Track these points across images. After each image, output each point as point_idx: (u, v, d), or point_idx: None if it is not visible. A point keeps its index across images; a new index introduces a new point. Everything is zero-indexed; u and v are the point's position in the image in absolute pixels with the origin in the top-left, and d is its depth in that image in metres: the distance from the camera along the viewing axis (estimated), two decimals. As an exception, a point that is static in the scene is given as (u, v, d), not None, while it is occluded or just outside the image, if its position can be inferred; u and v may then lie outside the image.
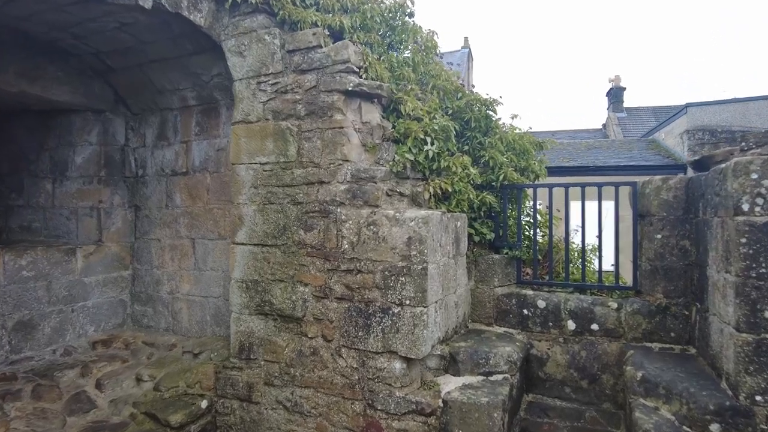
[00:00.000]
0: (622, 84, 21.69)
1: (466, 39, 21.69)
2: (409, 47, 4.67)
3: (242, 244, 3.88)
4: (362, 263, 3.39)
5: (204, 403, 3.89)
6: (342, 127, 3.56)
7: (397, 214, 3.32)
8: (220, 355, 4.20)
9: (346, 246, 3.46)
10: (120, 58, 4.55)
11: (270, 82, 3.81)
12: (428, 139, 3.87)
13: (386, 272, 3.32)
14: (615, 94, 21.51)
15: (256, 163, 3.83)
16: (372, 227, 3.37)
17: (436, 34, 4.93)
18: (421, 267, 3.22)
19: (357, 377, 3.42)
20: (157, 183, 5.18)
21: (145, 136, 5.26)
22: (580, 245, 4.26)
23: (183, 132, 5.01)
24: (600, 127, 22.44)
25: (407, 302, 3.25)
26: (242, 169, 3.90)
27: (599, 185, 3.96)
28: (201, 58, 4.31)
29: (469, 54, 20.86)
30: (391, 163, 3.79)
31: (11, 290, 4.31)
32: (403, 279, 3.26)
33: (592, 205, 3.98)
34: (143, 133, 5.28)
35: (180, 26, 3.89)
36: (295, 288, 3.63)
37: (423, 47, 4.79)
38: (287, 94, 3.74)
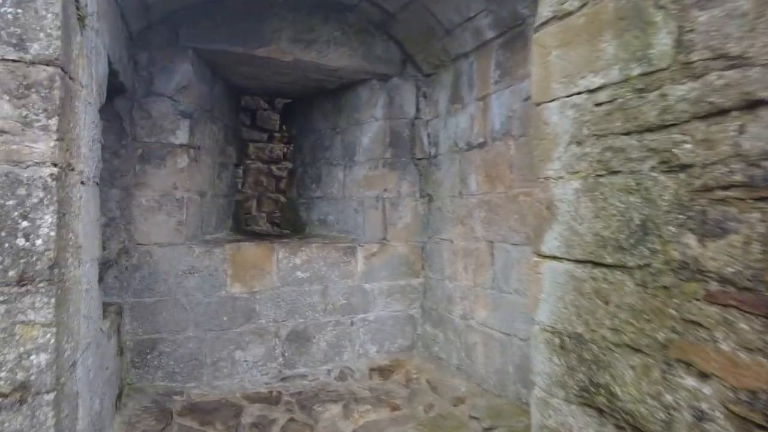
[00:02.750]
0: None
1: None
2: None
3: (553, 258, 1.91)
4: None
5: None
6: None
7: None
8: (518, 451, 2.36)
9: None
10: (397, -8, 3.34)
11: None
12: None
13: None
14: None
15: (578, 93, 1.80)
16: None
17: None
18: None
19: None
20: (450, 163, 3.77)
21: (438, 103, 3.93)
22: None
23: (479, 84, 3.42)
24: None
25: None
26: (552, 111, 1.93)
27: None
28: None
29: None
30: None
31: (285, 293, 3.66)
32: None
33: None
34: (436, 99, 3.97)
35: None
36: (670, 376, 1.43)
37: None
38: None
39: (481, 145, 3.39)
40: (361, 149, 4.18)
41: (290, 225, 4.97)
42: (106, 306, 3.01)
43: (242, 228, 4.83)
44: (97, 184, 2.30)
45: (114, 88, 3.17)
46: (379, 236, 4.02)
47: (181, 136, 3.38)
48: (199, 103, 3.55)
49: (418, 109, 4.11)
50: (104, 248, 3.21)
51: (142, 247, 3.29)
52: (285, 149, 5.66)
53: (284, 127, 5.54)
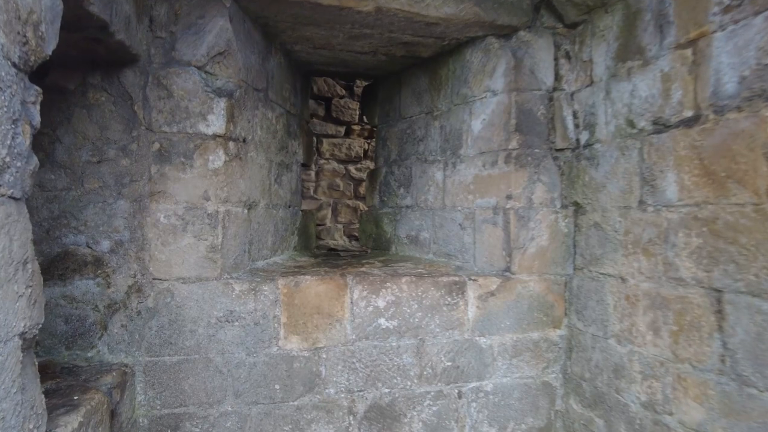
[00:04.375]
0: None
1: None
2: None
3: None
4: None
5: None
6: None
7: None
8: None
9: None
10: None
11: None
12: None
13: None
14: None
15: None
16: None
17: None
18: None
19: None
20: (618, 154, 2.39)
21: (592, 64, 2.56)
22: None
23: (681, 20, 2.01)
24: None
25: None
26: None
27: None
28: None
29: None
30: None
31: (362, 351, 2.48)
32: None
33: None
34: (588, 58, 2.60)
35: None
36: None
37: None
38: None
39: (690, 122, 1.99)
40: (469, 139, 2.91)
41: (370, 241, 3.83)
42: (104, 371, 2.03)
43: (311, 245, 3.78)
44: (18, 199, 1.25)
45: (117, 58, 2.20)
46: (498, 266, 2.72)
47: (216, 124, 2.34)
48: (243, 77, 2.50)
49: (557, 77, 2.76)
50: (108, 285, 2.24)
51: (160, 283, 2.28)
52: (366, 145, 4.57)
53: (365, 118, 4.41)
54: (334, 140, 4.52)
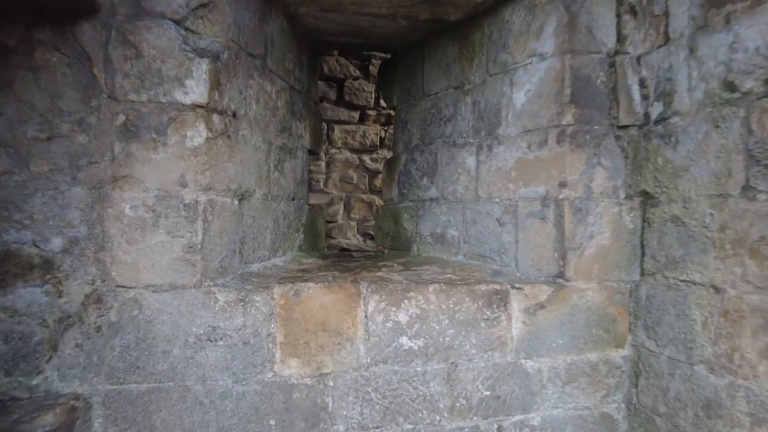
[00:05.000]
0: None
1: None
2: None
3: None
4: None
5: None
6: None
7: None
8: None
9: None
10: None
11: None
12: None
13: None
14: None
15: None
16: None
17: None
18: None
19: None
20: (709, 128, 1.84)
21: (668, 19, 2.02)
22: None
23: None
24: None
25: None
26: None
27: None
28: None
29: None
30: None
31: (379, 376, 1.98)
32: None
33: None
34: (662, 11, 2.05)
35: None
36: None
37: None
38: None
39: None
40: (510, 115, 2.39)
41: (387, 239, 3.33)
42: (46, 407, 1.57)
43: (320, 245, 3.29)
44: None
45: (71, 7, 1.74)
46: (548, 270, 2.20)
47: (196, 91, 1.86)
48: (234, 37, 2.02)
49: (620, 37, 2.23)
50: (60, 294, 1.77)
51: (125, 291, 1.81)
52: (382, 132, 4.08)
53: (381, 101, 3.91)
54: (347, 127, 4.04)
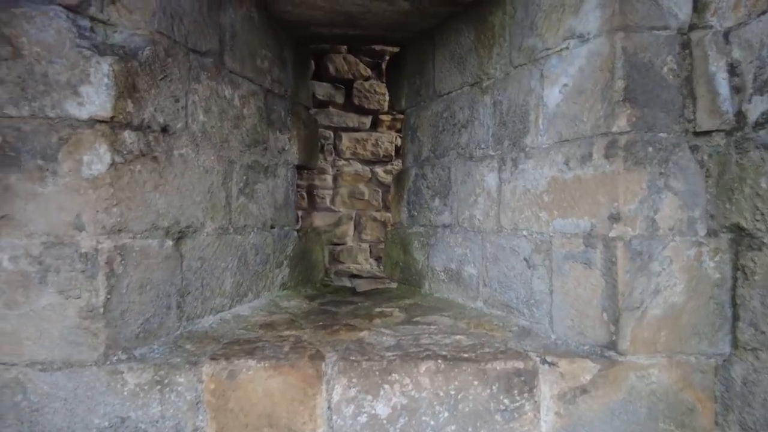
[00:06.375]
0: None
1: None
2: None
3: None
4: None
5: None
6: None
7: None
8: None
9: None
10: None
11: None
12: None
13: None
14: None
15: None
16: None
17: None
18: None
19: None
20: None
21: (776, -30, 1.35)
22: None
23: None
24: None
25: None
26: None
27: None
28: None
29: None
30: None
31: (350, 493, 1.42)
32: None
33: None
34: (764, -38, 1.39)
35: None
36: None
37: None
38: None
39: None
40: (541, 118, 1.77)
41: (396, 270, 2.76)
42: None
43: (316, 277, 2.77)
44: None
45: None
46: (594, 336, 1.56)
47: (94, 101, 1.37)
48: (164, 29, 1.54)
49: (697, 5, 1.56)
50: None
51: (4, 370, 1.36)
52: (398, 140, 3.53)
53: (394, 103, 3.35)
54: (357, 135, 3.51)
